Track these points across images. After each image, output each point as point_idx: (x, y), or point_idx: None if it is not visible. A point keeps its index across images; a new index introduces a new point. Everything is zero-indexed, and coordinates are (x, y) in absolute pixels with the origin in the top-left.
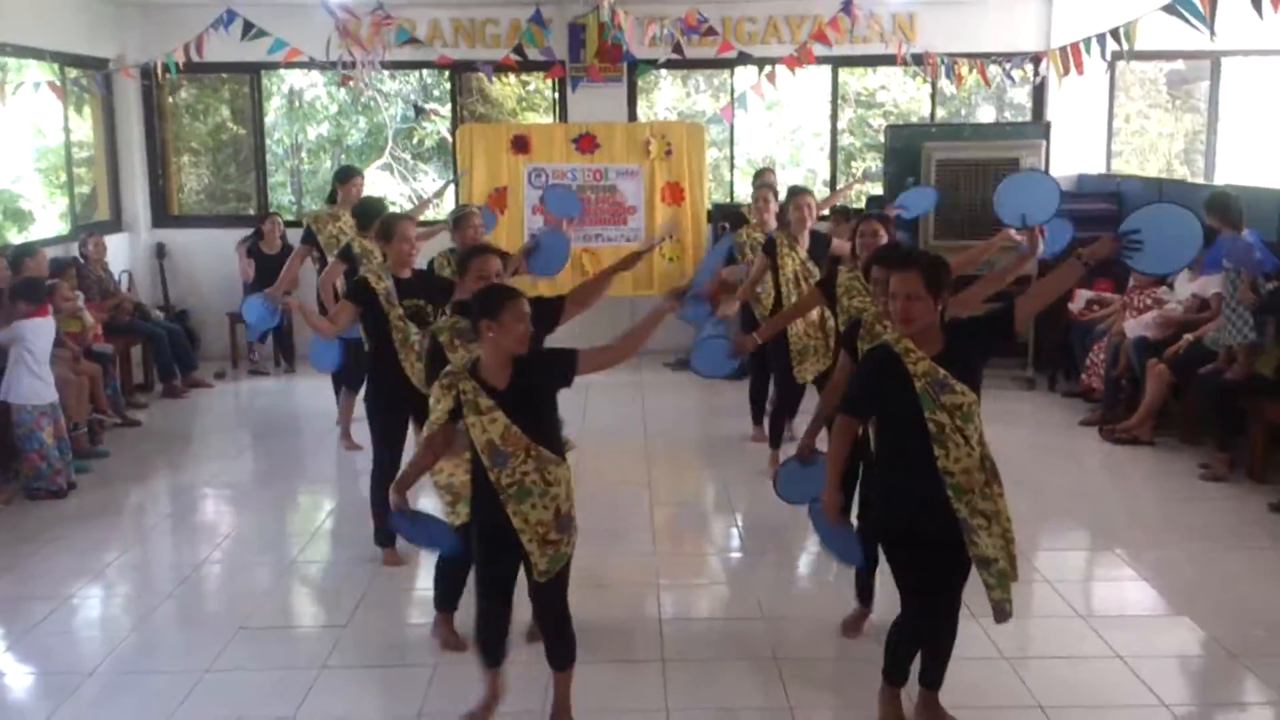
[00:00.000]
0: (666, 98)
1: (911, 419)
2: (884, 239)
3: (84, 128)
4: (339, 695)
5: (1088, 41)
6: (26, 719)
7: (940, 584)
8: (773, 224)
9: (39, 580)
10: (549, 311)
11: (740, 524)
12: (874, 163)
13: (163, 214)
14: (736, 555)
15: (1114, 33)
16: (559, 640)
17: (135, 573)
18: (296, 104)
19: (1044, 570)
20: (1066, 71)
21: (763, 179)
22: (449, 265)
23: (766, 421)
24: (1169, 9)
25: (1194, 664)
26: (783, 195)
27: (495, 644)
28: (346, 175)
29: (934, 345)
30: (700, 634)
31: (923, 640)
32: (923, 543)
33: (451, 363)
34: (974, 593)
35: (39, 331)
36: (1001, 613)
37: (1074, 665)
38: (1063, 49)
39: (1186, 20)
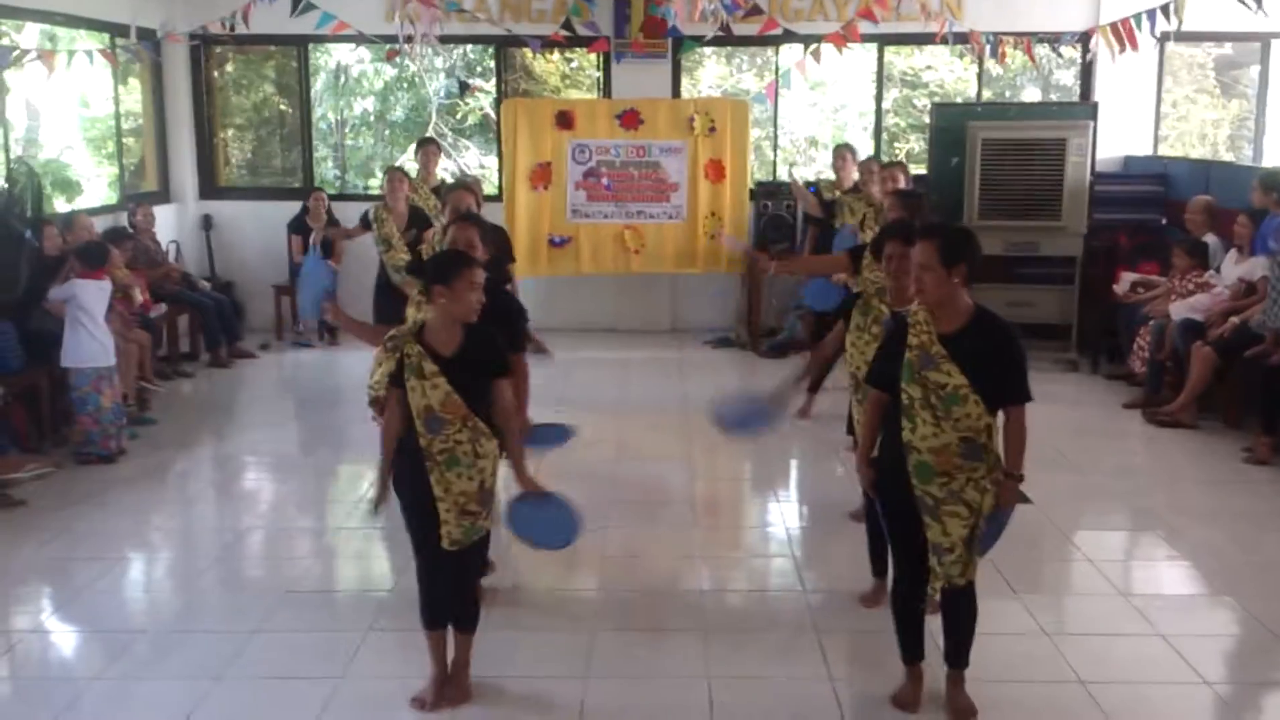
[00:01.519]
0: (710, 75)
1: (895, 386)
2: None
3: (130, 99)
4: (387, 657)
5: (1138, 18)
6: (80, 675)
7: (915, 557)
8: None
9: (90, 542)
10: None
11: (779, 499)
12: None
13: (210, 186)
14: (776, 529)
15: (1164, 9)
16: (466, 603)
17: (183, 537)
18: (343, 79)
19: (1085, 549)
20: (1123, 48)
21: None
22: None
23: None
24: None
25: (1235, 643)
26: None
27: (435, 606)
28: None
29: (953, 322)
30: (740, 605)
31: (903, 609)
32: (897, 511)
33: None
34: (1015, 567)
35: (94, 292)
36: (935, 606)
37: (1115, 642)
38: (1113, 25)
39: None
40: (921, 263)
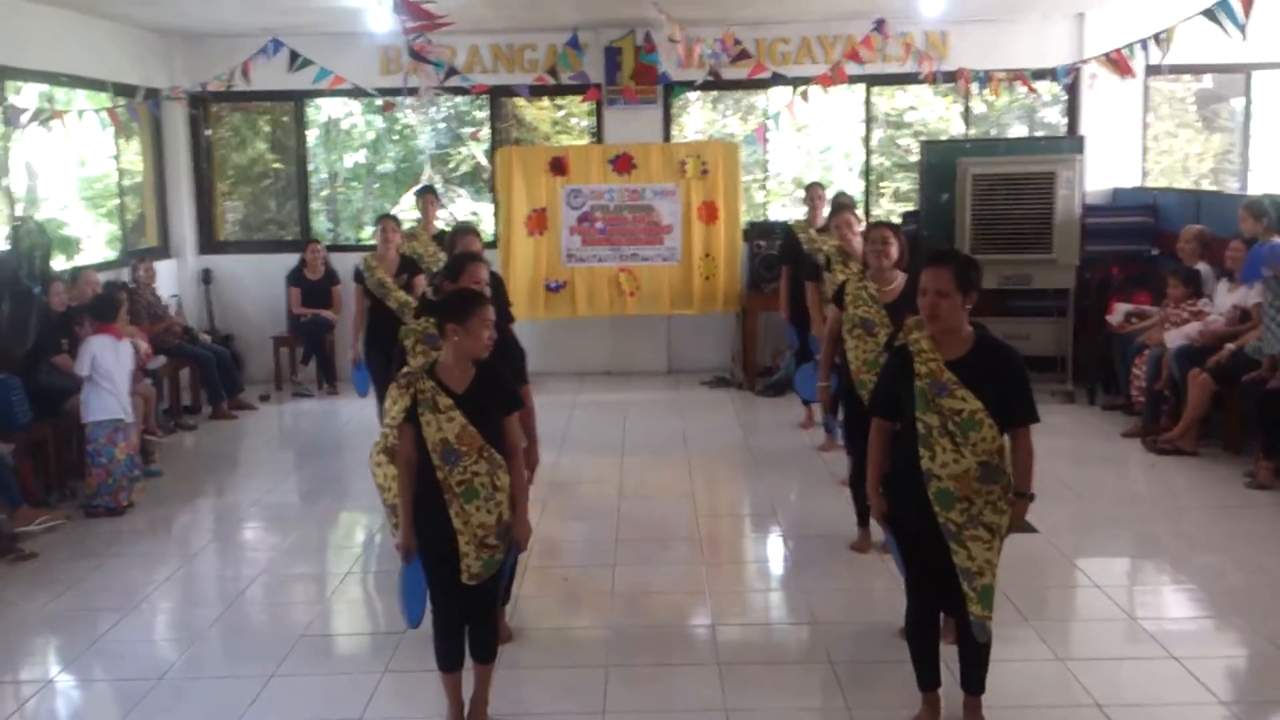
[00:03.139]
0: (696, 121)
1: (908, 418)
2: (894, 246)
3: (128, 156)
4: (404, 697)
5: (1131, 47)
6: None
7: (929, 585)
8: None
9: (103, 593)
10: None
11: (785, 533)
12: None
13: (209, 240)
14: (784, 563)
15: (1156, 38)
16: (487, 634)
17: (195, 585)
18: (333, 133)
19: (1093, 576)
20: (1122, 77)
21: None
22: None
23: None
24: (1208, 14)
25: (1247, 663)
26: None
27: (451, 649)
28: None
29: (958, 348)
30: (752, 638)
31: (918, 636)
32: (913, 539)
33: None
34: (1024, 594)
35: (108, 347)
36: (982, 630)
37: (1129, 666)
38: (1106, 55)
39: (1221, 26)
40: (938, 289)
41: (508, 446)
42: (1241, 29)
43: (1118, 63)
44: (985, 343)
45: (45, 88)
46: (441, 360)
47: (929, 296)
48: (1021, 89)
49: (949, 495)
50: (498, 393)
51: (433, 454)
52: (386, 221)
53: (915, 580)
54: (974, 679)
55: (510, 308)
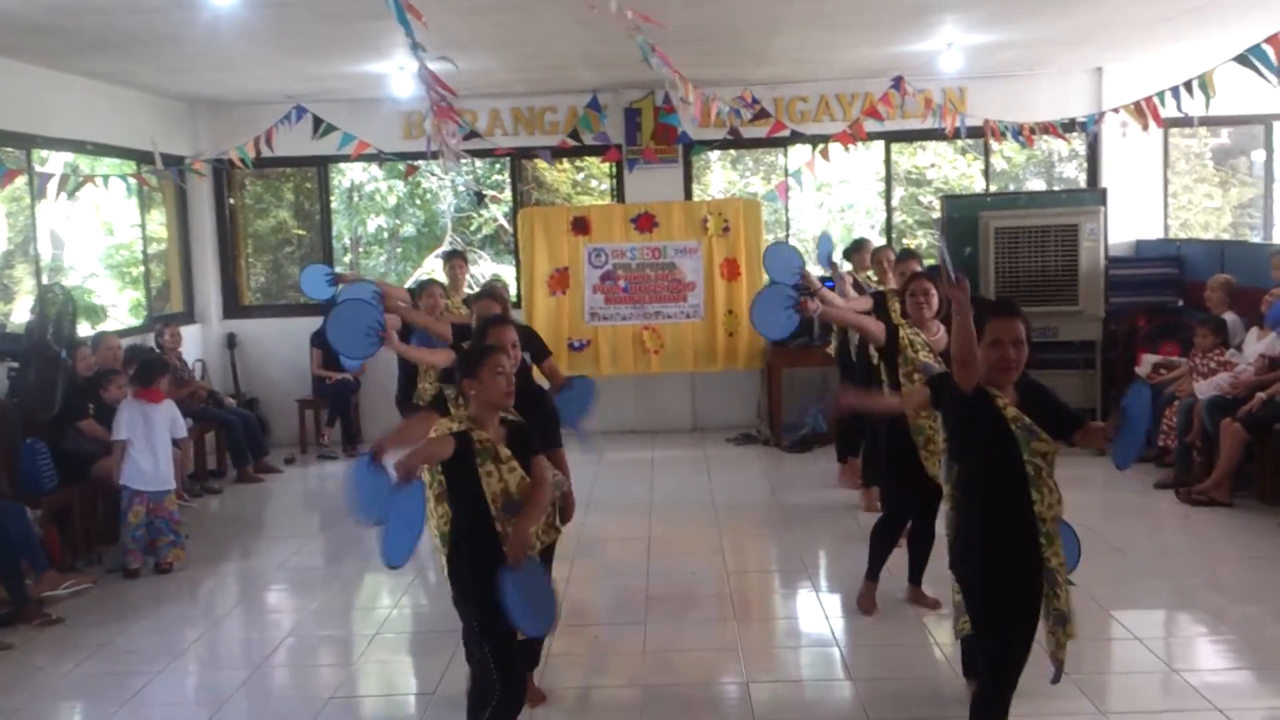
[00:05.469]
0: (718, 181)
1: (1008, 461)
2: (935, 297)
3: (152, 224)
4: None
5: (1162, 95)
6: None
7: (1021, 655)
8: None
9: (130, 656)
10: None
11: (816, 589)
12: None
13: (233, 305)
14: (814, 619)
15: (1187, 85)
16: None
17: (222, 648)
18: (356, 198)
19: (1131, 628)
20: (1145, 126)
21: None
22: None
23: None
24: (1241, 59)
25: None
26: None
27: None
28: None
29: (1010, 395)
30: (788, 696)
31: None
32: (1015, 600)
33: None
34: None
35: (137, 412)
36: (1061, 673)
37: (1171, 718)
38: (1136, 104)
39: (1258, 71)
40: (1015, 339)
41: (535, 477)
42: (1276, 73)
43: (1147, 111)
44: (1026, 384)
45: (70, 156)
46: (475, 419)
47: (1006, 348)
48: (1048, 139)
49: (1051, 538)
50: (532, 441)
51: (492, 505)
52: (433, 286)
53: (1001, 666)
54: None
55: (552, 357)
